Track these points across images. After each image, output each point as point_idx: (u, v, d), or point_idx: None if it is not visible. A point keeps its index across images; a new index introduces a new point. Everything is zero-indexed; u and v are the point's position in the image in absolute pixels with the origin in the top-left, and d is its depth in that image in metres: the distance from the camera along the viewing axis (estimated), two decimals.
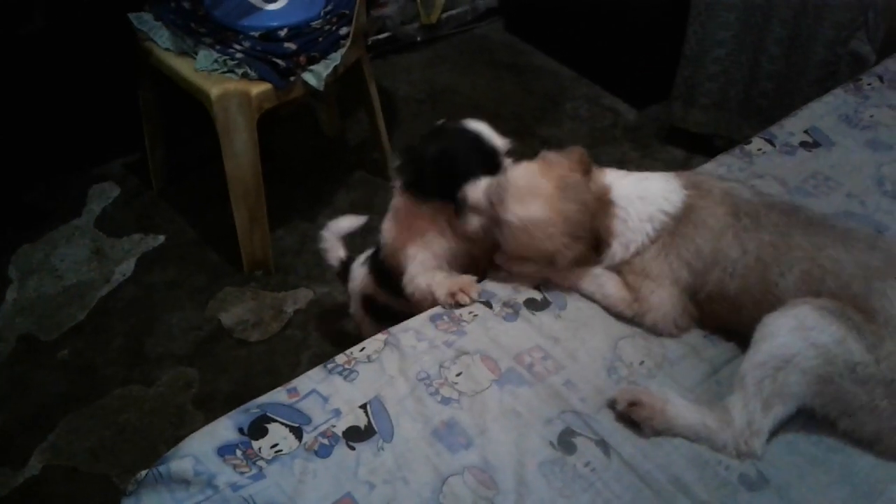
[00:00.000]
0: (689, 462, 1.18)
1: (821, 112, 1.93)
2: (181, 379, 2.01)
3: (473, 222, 1.41)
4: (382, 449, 1.16)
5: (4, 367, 2.03)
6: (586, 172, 1.38)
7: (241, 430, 1.16)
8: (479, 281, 1.46)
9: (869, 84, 2.03)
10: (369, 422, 1.19)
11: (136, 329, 2.14)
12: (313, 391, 1.23)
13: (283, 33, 2.11)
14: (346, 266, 1.82)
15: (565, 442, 1.19)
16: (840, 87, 2.03)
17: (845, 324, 1.17)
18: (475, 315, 1.39)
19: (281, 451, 1.14)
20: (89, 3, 2.37)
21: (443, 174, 1.41)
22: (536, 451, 1.18)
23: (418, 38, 3.32)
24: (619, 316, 1.39)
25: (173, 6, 2.18)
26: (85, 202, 2.53)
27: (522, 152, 1.46)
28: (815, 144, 1.83)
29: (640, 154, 2.78)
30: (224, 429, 1.17)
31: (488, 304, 1.41)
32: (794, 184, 1.71)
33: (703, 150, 2.66)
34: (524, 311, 1.40)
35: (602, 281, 1.40)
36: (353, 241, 1.89)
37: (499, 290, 1.44)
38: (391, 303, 1.65)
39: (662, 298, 1.34)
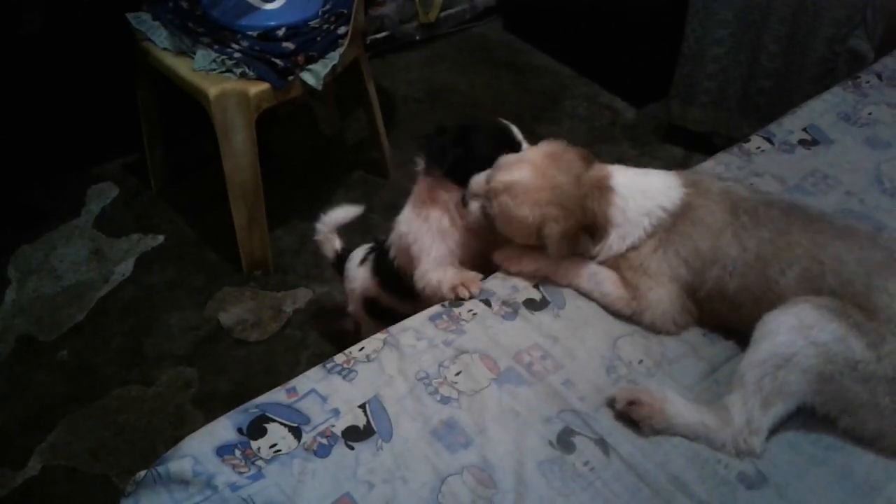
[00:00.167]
0: (688, 461, 1.18)
1: (819, 110, 1.93)
2: (180, 379, 2.01)
3: (474, 207, 1.41)
4: (381, 448, 1.16)
5: (4, 367, 2.03)
6: (587, 162, 1.39)
7: (239, 430, 1.16)
8: (483, 279, 1.46)
9: (867, 82, 2.03)
10: (368, 421, 1.19)
11: (135, 329, 2.14)
12: (312, 391, 1.23)
13: (281, 33, 2.11)
14: (341, 258, 1.82)
15: (564, 441, 1.19)
16: (839, 85, 2.03)
17: (846, 322, 1.17)
18: (474, 314, 1.39)
19: (280, 450, 1.14)
20: (88, 4, 2.36)
21: (466, 152, 1.45)
22: (535, 450, 1.18)
23: (417, 38, 3.32)
24: (617, 314, 1.39)
25: (171, 6, 2.17)
26: (84, 202, 2.52)
27: None
28: (814, 142, 1.83)
29: (639, 152, 2.78)
30: (223, 429, 1.16)
31: (487, 303, 1.41)
32: (792, 182, 1.71)
33: (701, 149, 2.66)
34: (523, 310, 1.40)
35: (600, 278, 1.40)
36: (353, 241, 1.89)
37: (498, 288, 1.44)
38: (395, 305, 1.64)
39: (661, 296, 1.34)
